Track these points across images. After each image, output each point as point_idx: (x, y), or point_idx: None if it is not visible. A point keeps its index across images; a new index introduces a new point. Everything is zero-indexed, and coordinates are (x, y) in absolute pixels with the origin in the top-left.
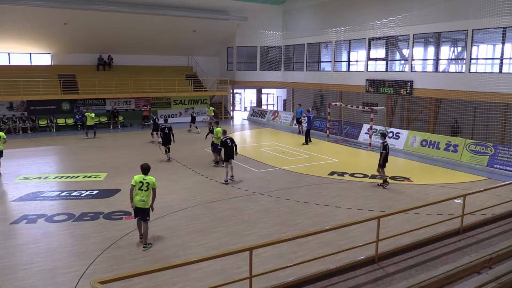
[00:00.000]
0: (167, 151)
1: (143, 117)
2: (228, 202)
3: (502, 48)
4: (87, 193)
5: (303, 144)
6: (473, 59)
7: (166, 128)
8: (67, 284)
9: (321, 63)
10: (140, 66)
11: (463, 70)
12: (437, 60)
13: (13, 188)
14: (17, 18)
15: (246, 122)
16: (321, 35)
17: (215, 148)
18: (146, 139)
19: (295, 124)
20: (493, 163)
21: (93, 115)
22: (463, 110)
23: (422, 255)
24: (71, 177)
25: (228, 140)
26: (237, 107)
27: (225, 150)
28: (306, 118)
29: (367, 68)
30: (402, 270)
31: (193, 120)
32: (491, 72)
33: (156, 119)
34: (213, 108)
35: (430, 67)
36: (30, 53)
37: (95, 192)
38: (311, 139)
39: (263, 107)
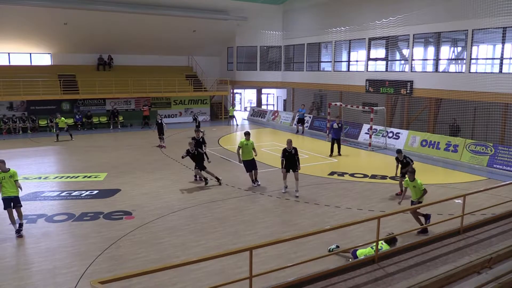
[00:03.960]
0: (201, 174)
1: (143, 117)
2: (228, 202)
3: (502, 48)
4: (87, 193)
5: (330, 156)
6: (473, 59)
7: (196, 140)
8: (67, 284)
9: (321, 63)
10: (140, 66)
11: (463, 70)
12: (437, 60)
13: None
14: (17, 18)
15: (246, 122)
16: (321, 35)
17: (249, 167)
18: (146, 139)
19: (295, 124)
20: (493, 163)
21: (64, 119)
22: (463, 110)
23: (422, 255)
24: (71, 177)
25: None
26: (237, 107)
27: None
28: (333, 128)
29: (367, 68)
30: (402, 270)
31: (198, 124)
32: (491, 72)
33: (160, 120)
34: (232, 108)
35: (430, 67)
36: (30, 53)
37: (95, 192)
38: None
39: (263, 107)
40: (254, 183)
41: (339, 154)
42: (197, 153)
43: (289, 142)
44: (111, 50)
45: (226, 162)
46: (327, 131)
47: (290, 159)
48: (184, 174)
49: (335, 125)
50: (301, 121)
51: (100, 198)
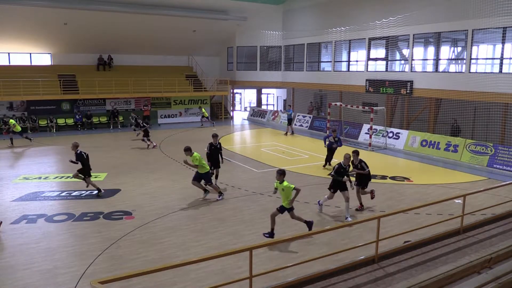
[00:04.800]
0: (215, 176)
1: (143, 117)
2: (228, 202)
3: (502, 48)
4: (87, 193)
5: (323, 166)
6: (473, 59)
7: (213, 146)
8: (67, 284)
9: (321, 63)
10: (140, 66)
11: (463, 70)
12: (437, 60)
13: (13, 188)
14: (17, 18)
15: (246, 122)
16: (321, 35)
17: (207, 179)
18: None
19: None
20: (493, 163)
21: (14, 121)
22: (463, 110)
23: (422, 255)
24: (71, 177)
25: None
26: (237, 107)
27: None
28: (329, 141)
29: (367, 68)
30: (402, 270)
31: (137, 125)
32: (491, 72)
33: (138, 120)
34: (204, 109)
35: (430, 67)
36: (30, 53)
37: (95, 192)
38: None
39: (263, 107)
40: (205, 193)
41: (328, 164)
42: (78, 161)
43: (348, 157)
44: (111, 50)
45: (225, 162)
46: (327, 131)
47: (342, 177)
48: (184, 174)
49: (331, 139)
50: (289, 121)
51: (100, 198)
